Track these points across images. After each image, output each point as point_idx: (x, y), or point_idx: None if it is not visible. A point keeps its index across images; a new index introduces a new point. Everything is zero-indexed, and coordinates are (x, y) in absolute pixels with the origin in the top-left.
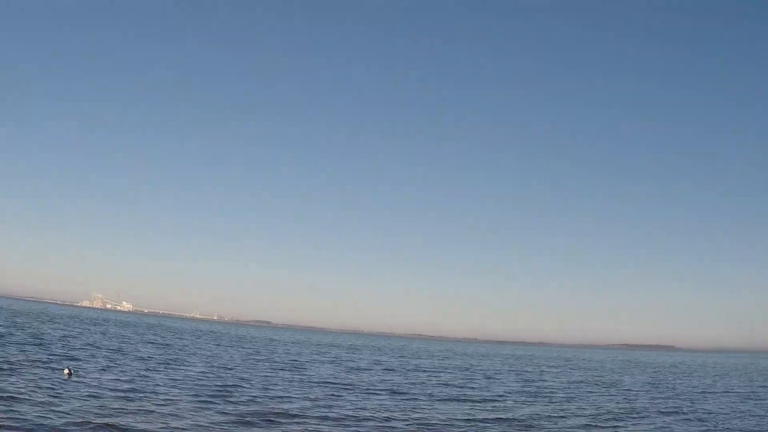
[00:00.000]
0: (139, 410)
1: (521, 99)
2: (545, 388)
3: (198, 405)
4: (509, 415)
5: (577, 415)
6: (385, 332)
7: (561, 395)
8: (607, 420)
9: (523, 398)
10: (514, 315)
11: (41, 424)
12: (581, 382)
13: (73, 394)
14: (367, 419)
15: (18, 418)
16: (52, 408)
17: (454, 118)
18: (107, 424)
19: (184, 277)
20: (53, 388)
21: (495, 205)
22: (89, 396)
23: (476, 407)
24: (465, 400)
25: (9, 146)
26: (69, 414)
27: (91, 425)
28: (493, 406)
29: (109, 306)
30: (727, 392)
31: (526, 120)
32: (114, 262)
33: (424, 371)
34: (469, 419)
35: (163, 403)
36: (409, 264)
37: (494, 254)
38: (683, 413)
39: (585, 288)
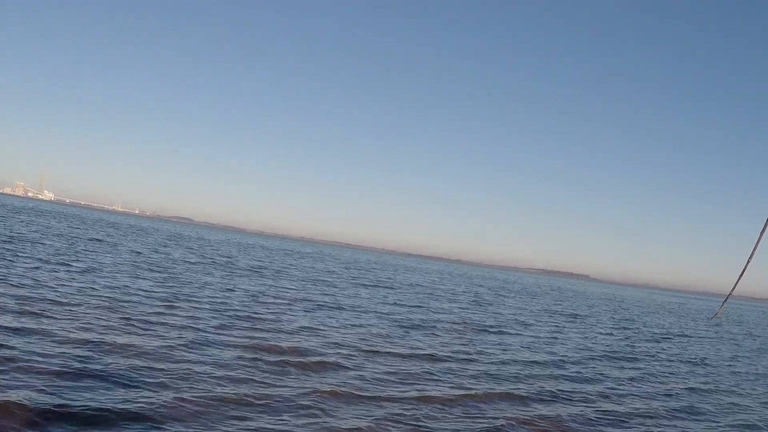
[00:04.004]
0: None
1: None
2: (505, 314)
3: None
4: (508, 342)
5: (570, 359)
6: (305, 237)
7: (542, 327)
8: (614, 359)
9: (514, 328)
10: (435, 230)
11: None
12: (543, 311)
13: None
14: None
15: None
16: None
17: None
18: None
19: (108, 168)
20: None
21: (428, 126)
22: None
23: (485, 338)
24: (465, 326)
25: None
26: None
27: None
28: (495, 336)
29: (30, 194)
30: (690, 336)
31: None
32: (38, 148)
33: (381, 287)
34: (502, 354)
35: (110, 312)
36: (334, 170)
37: (421, 168)
38: (667, 358)
39: (506, 210)
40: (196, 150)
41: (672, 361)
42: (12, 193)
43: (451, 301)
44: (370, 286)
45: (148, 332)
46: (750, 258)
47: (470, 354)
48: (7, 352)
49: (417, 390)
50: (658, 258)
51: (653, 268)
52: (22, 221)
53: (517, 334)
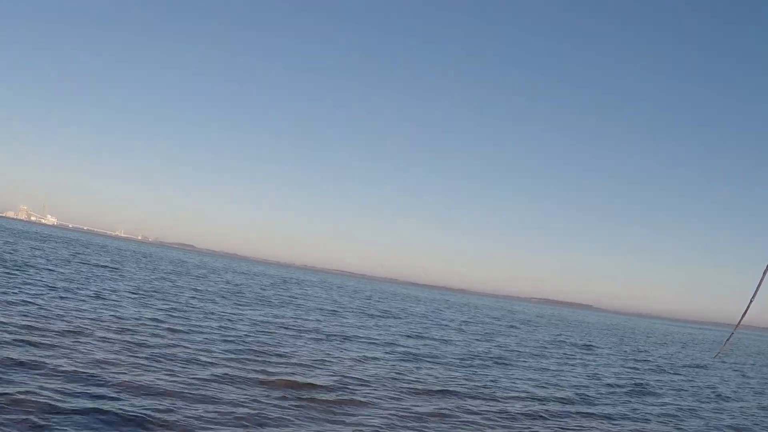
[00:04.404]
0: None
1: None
2: (516, 345)
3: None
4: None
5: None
6: (307, 265)
7: (556, 360)
8: (631, 393)
9: (528, 361)
10: (434, 260)
11: None
12: (553, 342)
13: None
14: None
15: None
16: None
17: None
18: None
19: (110, 194)
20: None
21: (423, 154)
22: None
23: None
24: (481, 359)
25: None
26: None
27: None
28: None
29: (33, 218)
30: (707, 368)
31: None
32: (41, 173)
33: (388, 317)
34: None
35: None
36: (334, 201)
37: (421, 200)
38: (687, 390)
39: (506, 239)
40: (199, 176)
41: (698, 394)
42: (15, 217)
43: (459, 331)
44: (377, 316)
45: (159, 367)
46: (753, 297)
47: (489, 389)
48: (10, 389)
49: (443, 429)
50: (661, 288)
51: (656, 298)
52: (27, 246)
53: (532, 367)
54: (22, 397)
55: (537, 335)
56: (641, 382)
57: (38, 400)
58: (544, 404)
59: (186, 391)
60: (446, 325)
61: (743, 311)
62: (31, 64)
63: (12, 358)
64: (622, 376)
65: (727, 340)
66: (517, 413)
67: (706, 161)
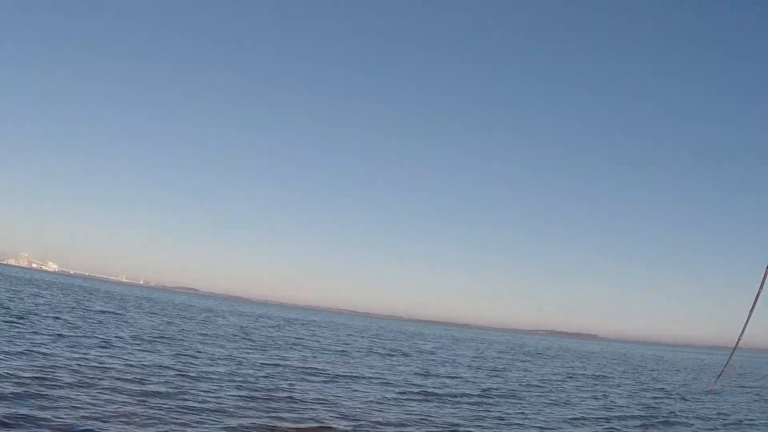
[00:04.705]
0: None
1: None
2: (529, 379)
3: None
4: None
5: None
6: (309, 305)
7: (574, 393)
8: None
9: (545, 393)
10: (438, 296)
11: None
12: (567, 374)
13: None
14: None
15: None
16: None
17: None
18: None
19: (111, 239)
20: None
21: (422, 191)
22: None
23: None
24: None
25: None
26: None
27: None
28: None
29: (35, 265)
30: (724, 393)
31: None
32: (41, 219)
33: (396, 355)
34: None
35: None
36: (335, 239)
37: (422, 236)
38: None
39: (510, 273)
40: (199, 219)
41: (725, 421)
42: (16, 264)
43: (471, 368)
44: (386, 354)
45: (169, 417)
46: (740, 336)
47: (510, 427)
48: None
49: None
50: (666, 313)
51: (661, 324)
52: (30, 294)
53: (551, 401)
54: None
55: (549, 368)
56: (665, 411)
57: None
58: None
59: None
60: (457, 362)
61: (733, 347)
62: (31, 108)
63: (19, 412)
64: (645, 406)
65: (720, 374)
66: None
67: (708, 185)
